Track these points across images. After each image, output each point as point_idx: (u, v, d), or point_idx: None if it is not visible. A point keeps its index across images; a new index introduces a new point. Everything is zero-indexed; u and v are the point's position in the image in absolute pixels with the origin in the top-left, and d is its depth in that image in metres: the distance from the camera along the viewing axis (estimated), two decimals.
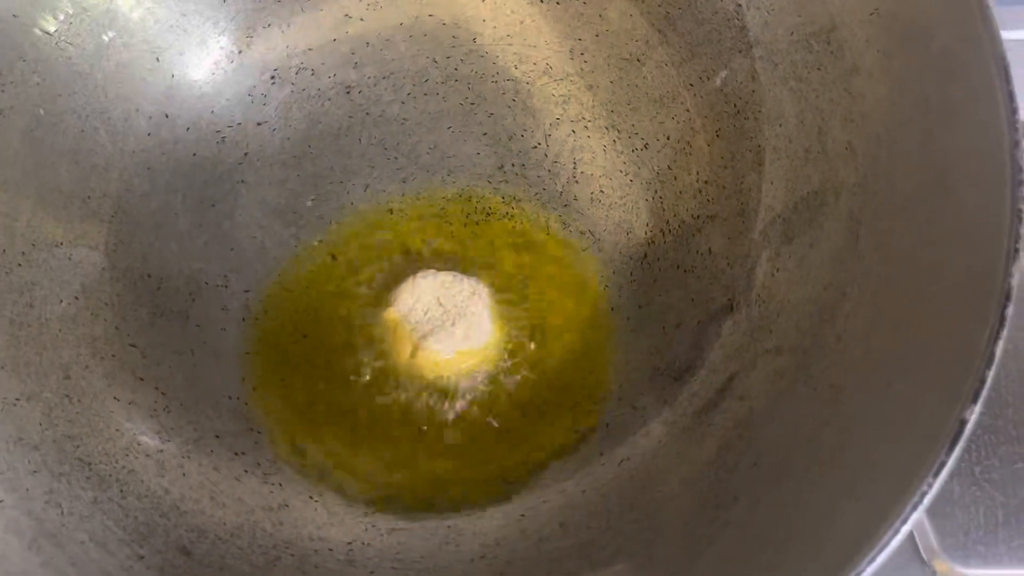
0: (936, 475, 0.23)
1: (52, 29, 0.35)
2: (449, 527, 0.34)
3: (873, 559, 0.23)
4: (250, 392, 0.37)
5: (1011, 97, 0.27)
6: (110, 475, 0.32)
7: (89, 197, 0.37)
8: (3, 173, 0.34)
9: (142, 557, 0.30)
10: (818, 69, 0.34)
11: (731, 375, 0.33)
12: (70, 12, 0.35)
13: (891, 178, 0.31)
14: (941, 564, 0.36)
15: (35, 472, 0.31)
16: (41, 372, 0.33)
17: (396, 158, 0.42)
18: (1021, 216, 0.25)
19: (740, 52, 0.36)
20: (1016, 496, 0.37)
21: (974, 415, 0.24)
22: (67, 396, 0.33)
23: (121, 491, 0.32)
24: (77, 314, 0.35)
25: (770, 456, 0.30)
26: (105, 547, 0.30)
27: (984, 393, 0.24)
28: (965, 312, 0.26)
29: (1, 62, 0.35)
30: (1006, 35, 0.28)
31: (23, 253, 0.34)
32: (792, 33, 0.35)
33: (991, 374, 0.24)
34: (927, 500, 0.23)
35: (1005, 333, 0.24)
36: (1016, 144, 0.26)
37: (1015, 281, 0.25)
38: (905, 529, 0.23)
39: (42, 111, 0.36)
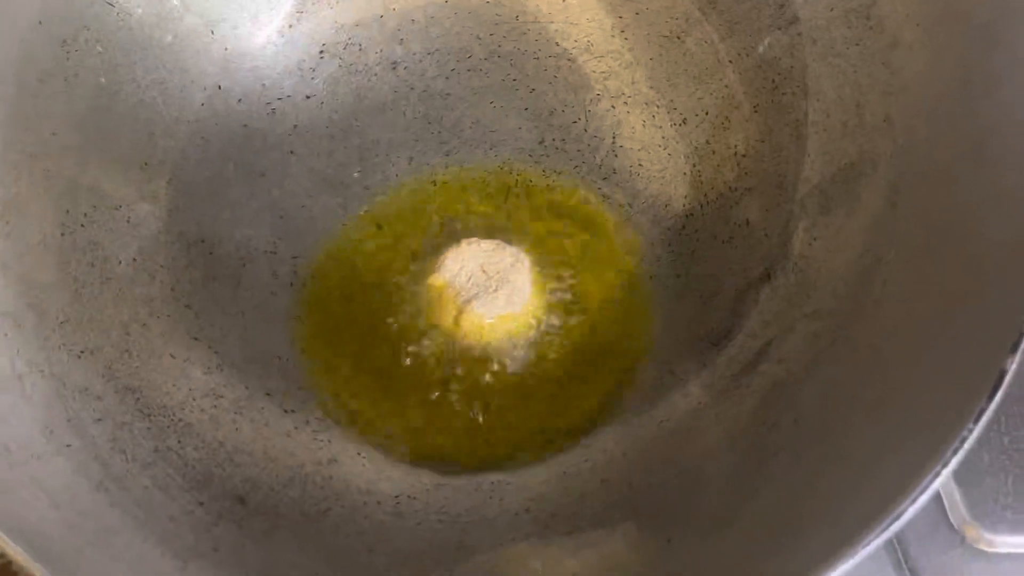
0: (976, 421, 0.24)
1: None
2: (493, 483, 0.35)
3: (915, 500, 0.24)
4: (298, 354, 0.38)
5: None
6: (168, 427, 0.34)
7: (147, 163, 0.38)
8: (69, 137, 0.35)
9: (202, 503, 0.32)
10: (857, 44, 0.35)
11: (769, 340, 0.34)
12: None
13: (930, 149, 0.32)
14: (971, 530, 0.37)
15: (99, 420, 0.32)
16: (103, 328, 0.34)
17: (439, 132, 0.43)
18: None
19: (779, 28, 0.37)
20: None
21: (1014, 364, 0.25)
22: (127, 351, 0.35)
23: (179, 442, 0.33)
24: (135, 275, 0.36)
25: (810, 414, 0.31)
26: (167, 492, 0.31)
27: (1023, 344, 0.25)
28: (1005, 273, 0.27)
29: (67, 30, 0.36)
30: None
31: (85, 214, 0.36)
32: (832, 9, 0.36)
33: None
34: (968, 444, 0.24)
35: None
36: None
37: None
38: (946, 472, 0.24)
39: (103, 79, 0.37)
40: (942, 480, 0.24)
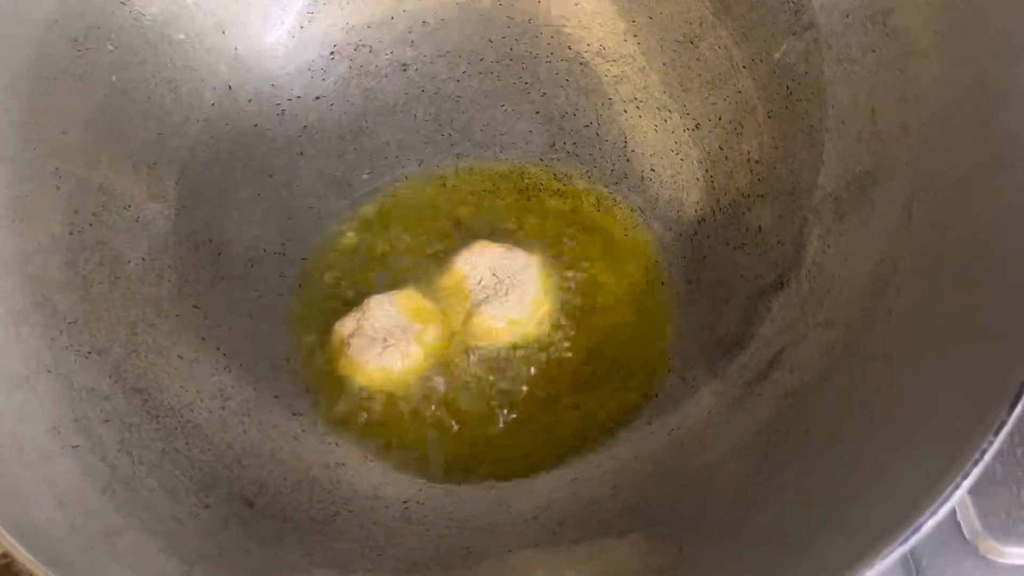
0: (996, 433, 0.24)
1: None
2: (502, 489, 0.35)
3: (935, 512, 0.23)
4: (306, 356, 0.38)
5: None
6: (176, 428, 0.33)
7: (156, 163, 0.38)
8: (80, 136, 0.35)
9: (208, 506, 0.31)
10: (873, 51, 0.35)
11: (781, 348, 0.34)
12: None
13: (945, 157, 0.32)
14: (984, 542, 0.37)
15: (107, 421, 0.32)
16: (111, 328, 0.34)
17: (450, 134, 0.43)
18: None
19: (795, 34, 0.37)
20: None
21: None
22: (135, 352, 0.34)
23: (187, 444, 0.33)
24: (144, 274, 0.36)
25: (822, 423, 0.30)
26: (174, 495, 0.31)
27: None
28: (1020, 281, 0.27)
29: (78, 29, 0.36)
30: None
31: (94, 214, 0.36)
32: (848, 16, 0.35)
33: None
34: (988, 456, 0.24)
35: None
36: None
37: None
38: (966, 484, 0.24)
39: (115, 78, 0.37)
40: (962, 492, 0.24)
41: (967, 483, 0.23)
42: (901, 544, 0.23)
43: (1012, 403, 0.24)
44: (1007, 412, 0.24)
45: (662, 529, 0.31)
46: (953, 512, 0.37)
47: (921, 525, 0.23)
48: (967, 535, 0.37)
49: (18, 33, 0.34)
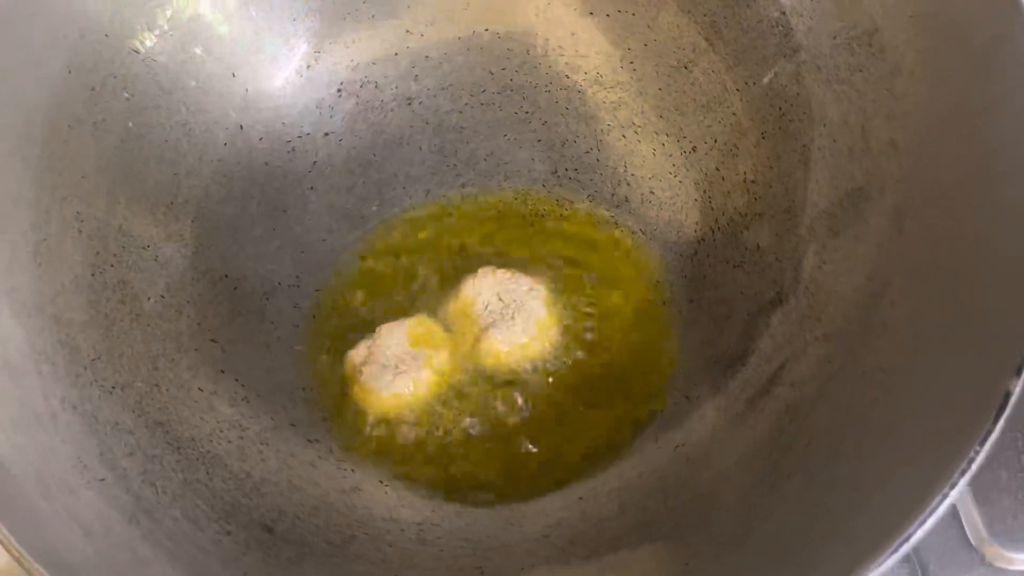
0: (983, 443, 0.25)
1: (148, 45, 0.38)
2: (512, 509, 0.36)
3: (923, 522, 0.24)
4: (321, 384, 0.39)
5: None
6: (197, 459, 0.35)
7: (172, 203, 0.40)
8: (98, 180, 0.37)
9: (229, 533, 0.32)
10: (860, 71, 0.36)
11: (781, 363, 0.35)
12: (165, 28, 0.38)
13: (934, 172, 0.32)
14: (990, 548, 0.37)
15: (131, 454, 0.33)
16: (133, 363, 0.36)
17: (455, 165, 0.44)
18: None
19: (784, 56, 0.38)
20: None
21: (1018, 387, 0.25)
22: (156, 386, 0.36)
23: (207, 473, 0.34)
24: (163, 311, 0.38)
25: (822, 436, 0.31)
26: (196, 523, 0.32)
27: None
28: (1010, 293, 0.27)
29: (95, 78, 0.38)
30: None
31: (115, 255, 0.37)
32: (835, 37, 0.36)
33: None
34: (975, 466, 0.24)
35: None
36: None
37: None
38: (954, 494, 0.24)
39: (130, 124, 0.39)
40: (951, 501, 0.24)
41: (955, 492, 0.24)
42: (891, 554, 0.24)
43: (997, 413, 0.25)
44: (992, 422, 0.25)
45: (669, 544, 0.32)
46: (959, 520, 0.38)
47: (911, 535, 0.24)
48: (973, 542, 0.37)
49: (36, 83, 0.36)
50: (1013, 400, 0.25)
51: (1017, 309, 0.26)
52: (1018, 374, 0.25)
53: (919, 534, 0.24)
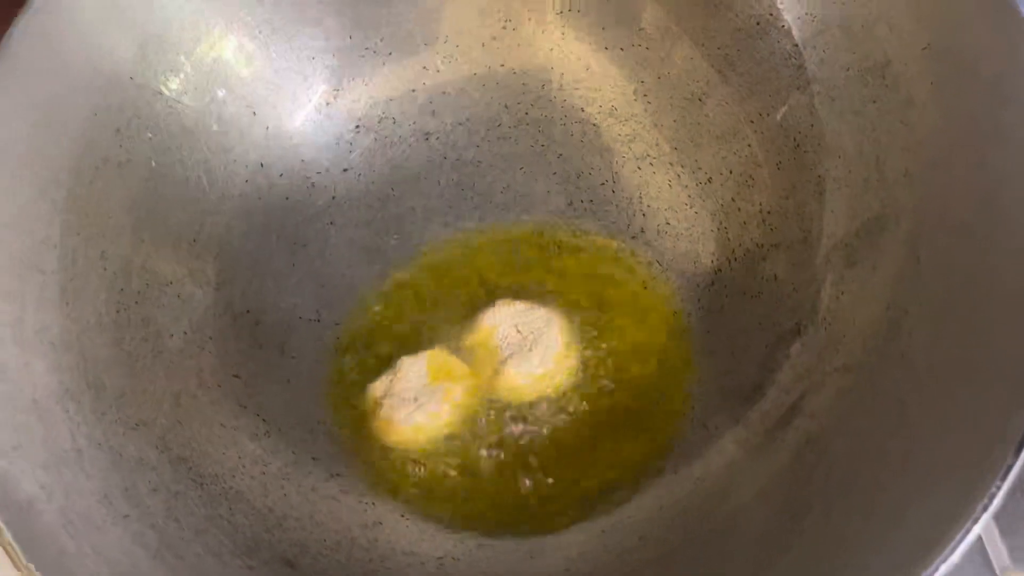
0: (1004, 478, 0.25)
1: (172, 88, 0.39)
2: (533, 543, 0.36)
3: (945, 559, 0.24)
4: (342, 418, 0.40)
5: None
6: (220, 494, 0.35)
7: (195, 240, 0.40)
8: (123, 219, 0.38)
9: (252, 568, 0.33)
10: (874, 102, 0.36)
11: (801, 394, 0.35)
12: (189, 72, 0.39)
13: (947, 201, 0.32)
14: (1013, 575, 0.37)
15: (155, 491, 0.33)
16: (156, 400, 0.36)
17: (472, 198, 0.45)
18: None
19: (798, 88, 0.38)
20: None
21: None
22: (179, 422, 0.36)
23: (230, 509, 0.35)
24: (185, 347, 0.38)
25: (840, 468, 0.31)
26: (220, 558, 0.32)
27: None
28: (1021, 322, 0.27)
29: (120, 120, 0.38)
30: None
31: (139, 292, 0.38)
32: (848, 69, 0.37)
33: None
34: (996, 501, 0.24)
35: None
36: None
37: None
38: (976, 529, 0.24)
39: (154, 163, 0.39)
40: (973, 537, 0.24)
41: (977, 528, 0.24)
42: None
43: (1018, 447, 0.25)
44: (1013, 456, 0.25)
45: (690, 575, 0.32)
46: (983, 546, 0.37)
47: (936, 569, 0.24)
48: (997, 569, 0.37)
49: (63, 126, 0.37)
50: None
51: None
52: None
53: (941, 571, 0.24)
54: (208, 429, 0.37)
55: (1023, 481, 0.38)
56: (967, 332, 0.30)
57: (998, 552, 0.37)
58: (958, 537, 0.24)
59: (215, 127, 0.41)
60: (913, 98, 0.34)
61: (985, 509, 0.24)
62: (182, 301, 0.39)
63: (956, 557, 0.24)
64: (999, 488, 0.24)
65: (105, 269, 0.37)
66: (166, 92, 0.39)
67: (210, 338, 0.39)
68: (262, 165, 0.43)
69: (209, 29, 0.40)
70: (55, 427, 0.32)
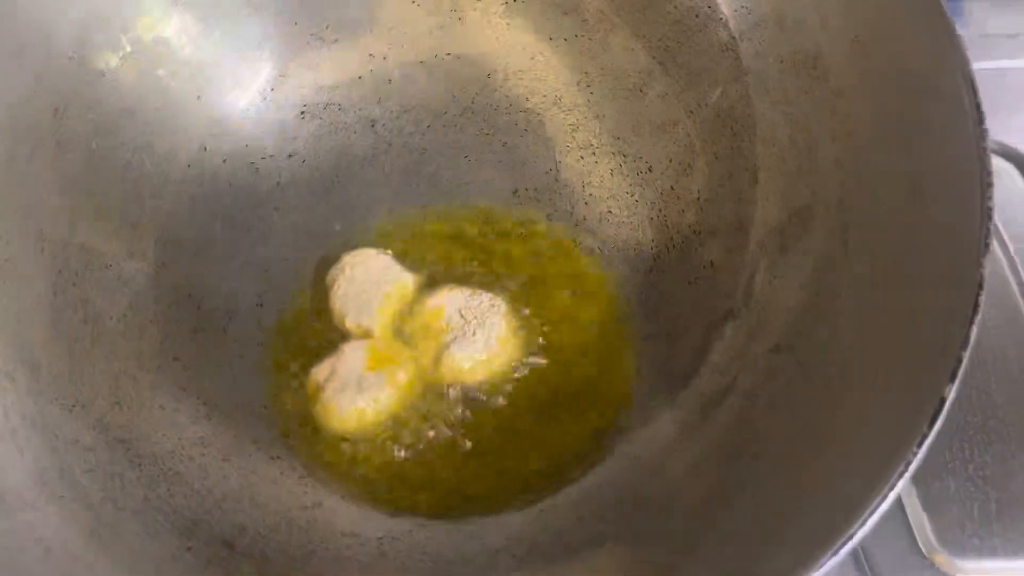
0: (919, 446, 0.26)
1: (112, 65, 0.38)
2: (473, 523, 0.36)
3: (865, 521, 0.25)
4: (284, 402, 0.40)
5: (978, 108, 0.29)
6: (158, 476, 0.35)
7: (136, 223, 0.40)
8: (61, 199, 0.37)
9: (190, 548, 0.33)
10: (806, 93, 0.37)
11: (734, 375, 0.36)
12: (129, 50, 0.39)
13: (875, 188, 0.34)
14: (940, 558, 0.38)
15: (91, 471, 0.33)
16: (94, 382, 0.36)
17: (417, 185, 0.45)
18: (990, 214, 0.28)
19: (734, 79, 0.39)
20: (1008, 491, 0.39)
21: (952, 392, 0.26)
22: (117, 404, 0.36)
23: (168, 491, 0.34)
24: (125, 330, 0.38)
25: (771, 444, 0.32)
26: (158, 539, 0.32)
27: (961, 372, 0.26)
28: (944, 302, 0.28)
29: (59, 99, 0.38)
30: (981, 65, 0.31)
31: (77, 273, 0.37)
32: (782, 61, 0.38)
33: (966, 355, 0.26)
34: (912, 468, 0.25)
35: (978, 318, 0.27)
36: (984, 151, 0.29)
37: (986, 271, 0.27)
38: (893, 495, 0.25)
39: (95, 144, 0.39)
40: (888, 503, 0.25)
41: (893, 494, 0.25)
42: (835, 553, 0.25)
43: (932, 417, 0.26)
44: (928, 426, 0.26)
45: (625, 552, 0.32)
46: (910, 530, 0.39)
47: (853, 535, 0.25)
48: (924, 550, 0.38)
49: None
50: (948, 405, 0.26)
51: (950, 319, 0.28)
52: (952, 380, 0.26)
53: (861, 534, 0.25)
54: (148, 412, 0.37)
55: (948, 463, 0.40)
56: (891, 315, 0.31)
57: (925, 535, 0.38)
58: (876, 502, 0.25)
59: (157, 110, 0.41)
60: (843, 89, 0.35)
61: (901, 476, 0.25)
62: (122, 284, 0.39)
63: (876, 518, 0.25)
64: (915, 455, 0.25)
65: (43, 250, 0.36)
66: (106, 71, 0.39)
67: (150, 321, 0.39)
68: (205, 149, 0.43)
69: (151, 7, 0.40)
70: None
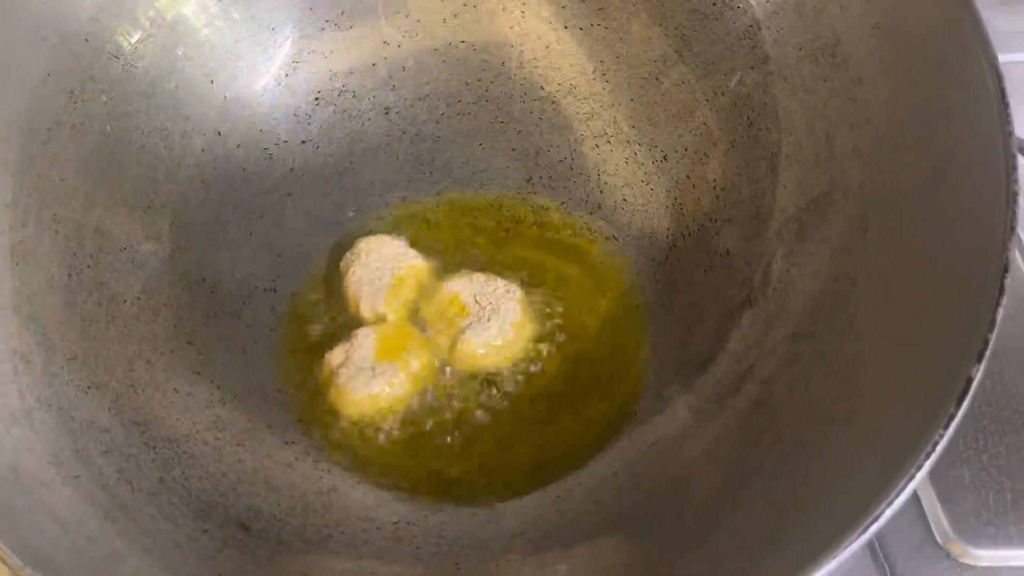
0: (947, 427, 0.25)
1: (130, 43, 0.38)
2: (489, 508, 0.36)
3: (891, 503, 0.25)
4: (298, 387, 0.40)
5: (1003, 94, 0.29)
6: (173, 459, 0.35)
7: (150, 207, 0.40)
8: (76, 182, 0.37)
9: (206, 531, 0.32)
10: (825, 80, 0.37)
11: (751, 363, 0.36)
12: (148, 28, 0.39)
13: (895, 175, 0.34)
14: (955, 547, 0.38)
15: (106, 452, 0.33)
16: (109, 364, 0.36)
17: (431, 172, 0.45)
18: (1016, 196, 0.28)
19: (752, 67, 0.39)
20: (1023, 481, 0.39)
21: (979, 373, 0.26)
22: (132, 386, 0.36)
23: (184, 473, 0.34)
24: (140, 313, 0.38)
25: (790, 430, 0.32)
26: (173, 521, 0.32)
27: (987, 354, 0.26)
28: (969, 286, 0.28)
29: (74, 82, 0.38)
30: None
31: (92, 256, 0.37)
32: (800, 48, 0.38)
33: (992, 337, 0.26)
34: (939, 448, 0.25)
35: (1004, 300, 0.27)
36: (1009, 134, 0.29)
37: (1012, 255, 0.27)
38: (920, 475, 0.25)
39: (109, 128, 0.39)
40: (916, 483, 0.25)
41: (920, 475, 0.25)
42: (858, 536, 0.24)
43: (959, 398, 0.26)
44: (956, 406, 0.26)
45: (643, 537, 0.32)
46: (925, 519, 0.39)
47: (879, 516, 0.25)
48: (939, 539, 0.38)
49: (14, 86, 0.36)
50: (975, 385, 0.26)
51: (974, 301, 0.27)
52: (979, 360, 0.26)
53: (887, 515, 0.25)
54: (162, 395, 0.36)
55: (963, 452, 0.40)
56: (913, 299, 0.31)
57: (940, 524, 0.38)
58: (903, 483, 0.25)
59: (172, 93, 0.41)
60: (862, 76, 0.35)
61: (928, 456, 0.25)
62: (136, 267, 0.39)
63: (902, 500, 0.25)
64: (942, 436, 0.25)
65: (57, 232, 0.36)
66: (122, 53, 0.39)
67: (164, 304, 0.39)
68: (219, 134, 0.42)
69: None
70: (5, 387, 0.32)
